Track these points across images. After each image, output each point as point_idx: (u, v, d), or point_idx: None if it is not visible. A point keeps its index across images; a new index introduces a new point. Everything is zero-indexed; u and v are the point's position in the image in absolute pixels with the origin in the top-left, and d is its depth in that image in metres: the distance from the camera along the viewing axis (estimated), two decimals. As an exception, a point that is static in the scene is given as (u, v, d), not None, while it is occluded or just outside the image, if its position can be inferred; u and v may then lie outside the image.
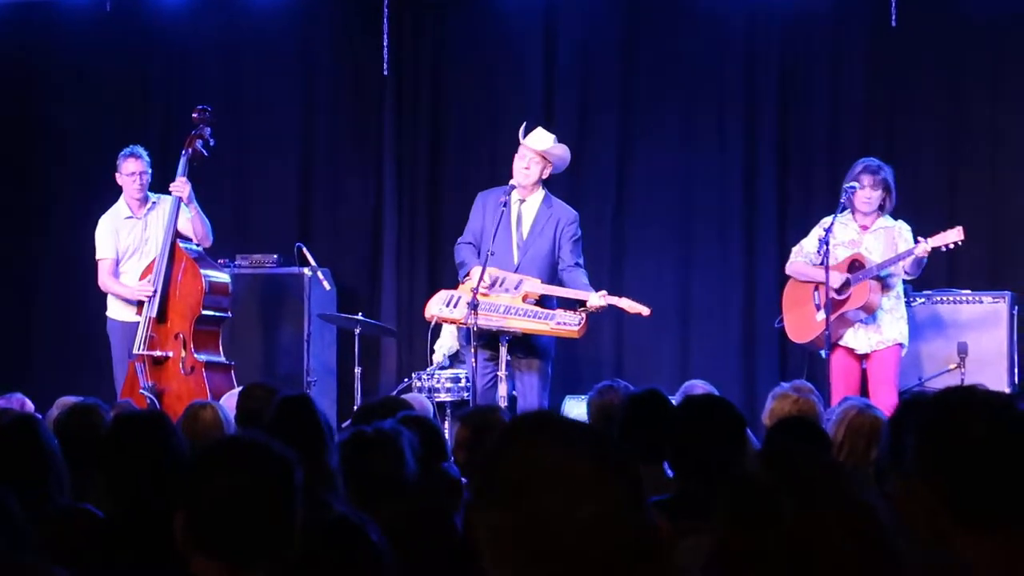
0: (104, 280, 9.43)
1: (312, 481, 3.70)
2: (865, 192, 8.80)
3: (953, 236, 8.60)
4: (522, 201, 8.94)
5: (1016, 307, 9.50)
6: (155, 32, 11.41)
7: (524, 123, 9.05)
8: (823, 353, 8.82)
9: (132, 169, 9.41)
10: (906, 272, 8.78)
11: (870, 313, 8.78)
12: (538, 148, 8.88)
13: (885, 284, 8.83)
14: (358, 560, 3.77)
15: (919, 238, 8.67)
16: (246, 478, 2.81)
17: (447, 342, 10.06)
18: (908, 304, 9.21)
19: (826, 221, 8.82)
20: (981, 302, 9.52)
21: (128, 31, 11.41)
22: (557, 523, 1.78)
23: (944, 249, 8.65)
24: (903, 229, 8.89)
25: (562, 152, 9.00)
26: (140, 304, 9.25)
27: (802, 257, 9.03)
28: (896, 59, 10.57)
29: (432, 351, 9.84)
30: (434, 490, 4.53)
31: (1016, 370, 9.36)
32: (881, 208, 8.88)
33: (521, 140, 8.93)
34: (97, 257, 9.46)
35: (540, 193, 8.98)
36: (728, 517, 1.86)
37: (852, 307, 8.76)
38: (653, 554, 1.83)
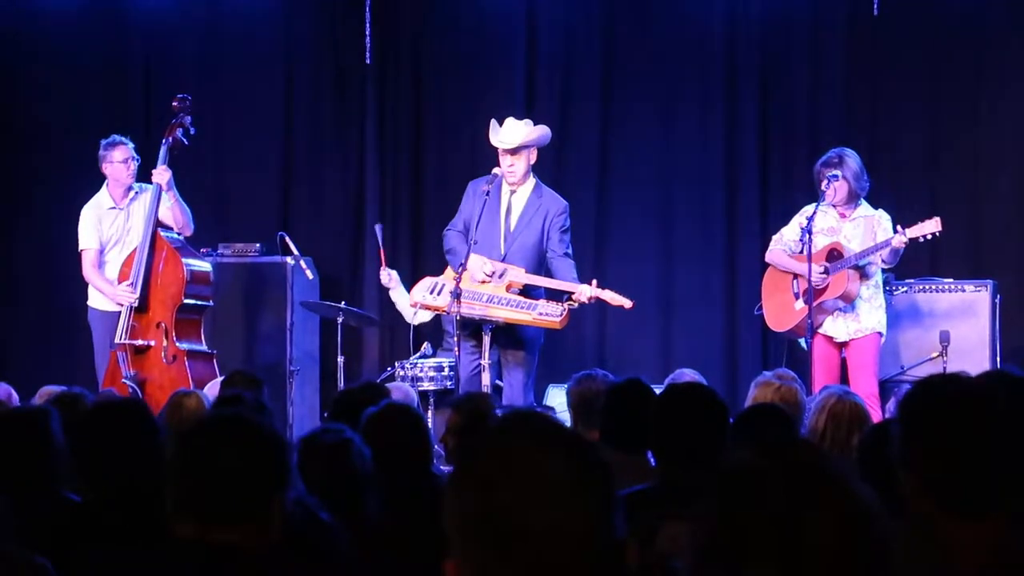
0: (87, 272, 9.40)
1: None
2: (829, 186, 8.80)
3: (930, 227, 8.61)
4: (512, 192, 8.91)
5: (998, 295, 9.52)
6: (135, 19, 11.37)
7: (491, 120, 9.00)
8: (803, 342, 8.85)
9: (123, 157, 9.38)
10: (884, 261, 8.80)
11: (848, 302, 8.79)
12: (512, 146, 8.84)
13: (864, 273, 8.83)
14: (314, 544, 3.78)
15: (898, 227, 8.68)
16: (233, 440, 2.98)
17: (402, 299, 10.04)
18: (888, 293, 9.24)
19: (808, 209, 8.83)
20: (963, 290, 9.54)
21: (108, 18, 11.38)
22: (521, 521, 1.78)
23: (922, 240, 8.65)
24: (883, 219, 8.89)
25: (538, 134, 8.95)
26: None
27: (781, 245, 9.04)
28: (878, 47, 10.58)
29: (422, 343, 9.88)
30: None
31: (998, 358, 9.38)
32: (855, 196, 8.88)
33: (492, 141, 8.89)
34: (80, 248, 9.42)
35: (531, 182, 8.94)
36: (715, 504, 1.86)
37: (830, 296, 8.77)
38: (612, 572, 1.83)
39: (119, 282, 9.25)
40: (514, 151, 8.81)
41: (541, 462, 1.82)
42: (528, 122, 9.00)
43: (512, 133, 8.85)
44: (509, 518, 1.78)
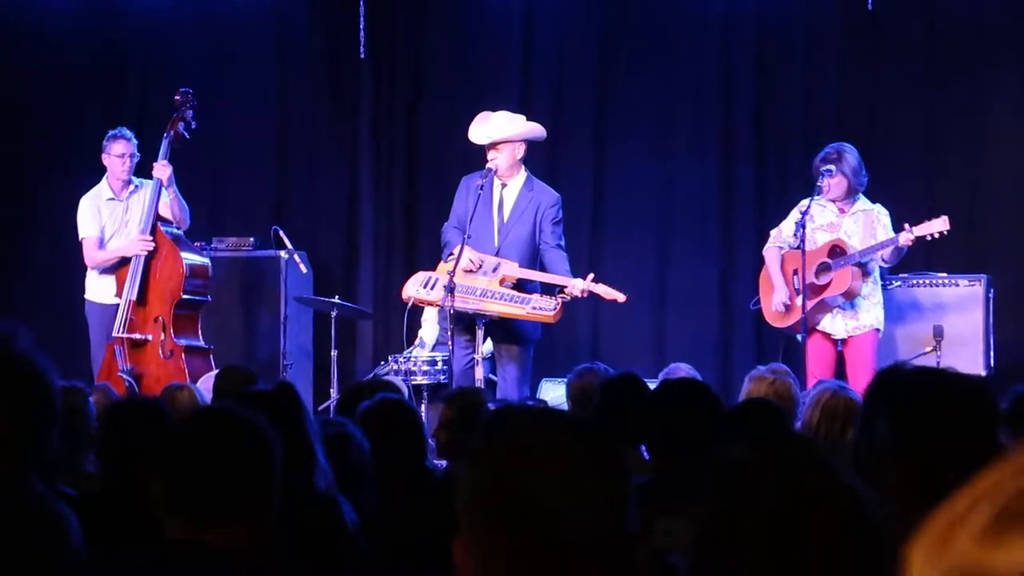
0: (92, 257, 9.34)
1: (295, 462, 3.72)
2: (823, 181, 8.79)
3: (938, 226, 8.60)
4: (504, 185, 8.88)
5: (992, 290, 9.53)
6: (132, 14, 11.36)
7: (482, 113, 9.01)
8: (799, 337, 8.85)
9: (121, 151, 9.37)
10: (884, 260, 8.79)
11: (851, 299, 8.79)
12: (478, 142, 8.83)
13: (864, 270, 8.83)
14: (327, 536, 3.78)
15: (905, 225, 8.66)
16: (225, 437, 2.91)
17: (431, 330, 10.04)
18: (884, 288, 9.24)
19: (804, 204, 8.82)
20: (957, 285, 9.55)
21: (105, 13, 11.37)
22: (534, 501, 1.79)
23: (928, 238, 8.66)
24: (881, 214, 8.89)
25: (515, 130, 8.90)
26: (120, 285, 9.20)
27: (779, 242, 9.03)
28: (873, 42, 10.58)
29: (416, 337, 9.87)
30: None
31: (992, 353, 9.39)
32: (853, 191, 8.87)
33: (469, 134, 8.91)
34: (81, 237, 9.37)
35: (522, 176, 8.92)
36: (710, 500, 1.87)
37: (833, 293, 8.76)
38: (623, 563, 1.84)
39: (117, 279, 9.24)
40: (490, 145, 8.80)
41: (559, 445, 1.83)
42: (519, 117, 8.98)
43: (480, 130, 8.83)
44: (523, 497, 1.78)
